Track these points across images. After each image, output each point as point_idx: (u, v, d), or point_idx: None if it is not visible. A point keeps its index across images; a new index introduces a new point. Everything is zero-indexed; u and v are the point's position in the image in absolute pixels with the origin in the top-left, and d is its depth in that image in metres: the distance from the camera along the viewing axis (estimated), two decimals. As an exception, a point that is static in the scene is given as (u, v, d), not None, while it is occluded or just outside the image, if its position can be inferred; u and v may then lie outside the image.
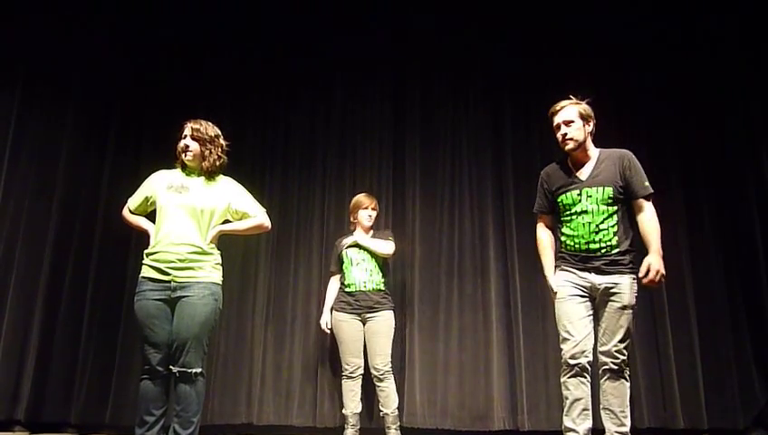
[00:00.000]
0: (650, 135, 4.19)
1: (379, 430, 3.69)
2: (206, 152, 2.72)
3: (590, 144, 2.75)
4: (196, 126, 2.73)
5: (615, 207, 2.64)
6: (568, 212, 2.71)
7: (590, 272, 2.64)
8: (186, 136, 2.73)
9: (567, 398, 2.61)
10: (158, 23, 4.49)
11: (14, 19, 3.92)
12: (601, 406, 2.63)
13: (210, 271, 2.64)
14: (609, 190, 2.63)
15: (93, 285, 4.05)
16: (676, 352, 3.85)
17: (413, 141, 4.38)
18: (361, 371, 3.61)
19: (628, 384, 2.60)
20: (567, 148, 2.71)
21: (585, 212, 2.65)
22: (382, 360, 3.56)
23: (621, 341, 2.57)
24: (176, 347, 2.53)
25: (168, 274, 2.58)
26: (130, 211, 2.82)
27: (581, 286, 2.65)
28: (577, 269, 2.67)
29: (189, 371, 2.51)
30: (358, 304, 3.62)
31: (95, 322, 4.01)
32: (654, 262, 2.53)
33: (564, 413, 2.62)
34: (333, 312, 3.68)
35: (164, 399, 2.60)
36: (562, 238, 2.76)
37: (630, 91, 4.25)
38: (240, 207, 2.80)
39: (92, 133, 4.26)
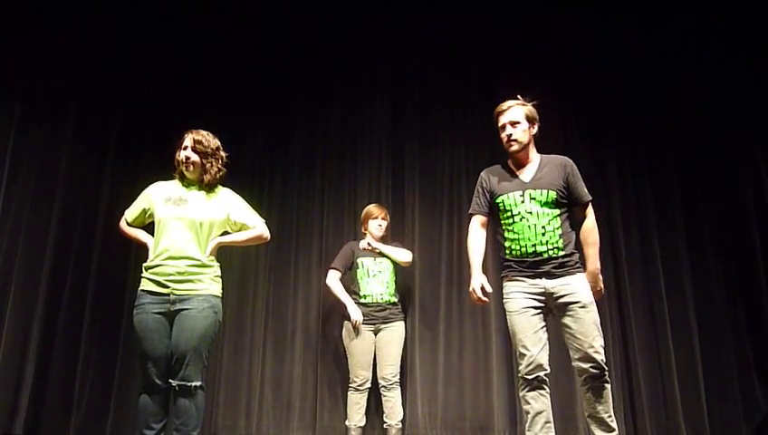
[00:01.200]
0: (648, 145, 4.21)
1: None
2: (208, 165, 2.71)
3: (532, 147, 2.76)
4: (198, 138, 2.69)
5: (558, 211, 2.64)
6: (509, 214, 2.68)
7: (540, 278, 2.61)
8: (186, 147, 2.70)
9: (528, 412, 2.58)
10: (157, 33, 4.50)
11: (14, 30, 3.92)
12: (587, 414, 2.60)
13: (210, 284, 2.63)
14: (553, 193, 2.63)
15: (93, 297, 4.03)
16: (678, 360, 3.84)
17: (412, 149, 4.38)
18: (369, 384, 3.60)
19: (609, 386, 2.57)
20: (511, 149, 2.72)
21: (530, 213, 2.64)
22: (392, 370, 3.57)
23: (595, 341, 2.53)
24: (175, 360, 2.51)
25: (167, 286, 2.57)
26: (128, 223, 2.81)
27: (534, 295, 2.61)
28: (526, 277, 2.63)
29: (189, 384, 2.50)
30: (372, 315, 3.64)
31: (94, 334, 3.98)
32: (598, 283, 2.67)
33: (527, 428, 2.59)
34: (346, 321, 3.69)
35: (163, 413, 2.58)
36: (506, 244, 2.71)
37: (628, 101, 4.27)
38: (239, 218, 2.79)
39: (92, 144, 4.25)
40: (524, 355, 2.58)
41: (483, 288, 2.68)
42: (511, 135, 2.69)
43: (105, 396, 3.89)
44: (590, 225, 2.70)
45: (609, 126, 4.26)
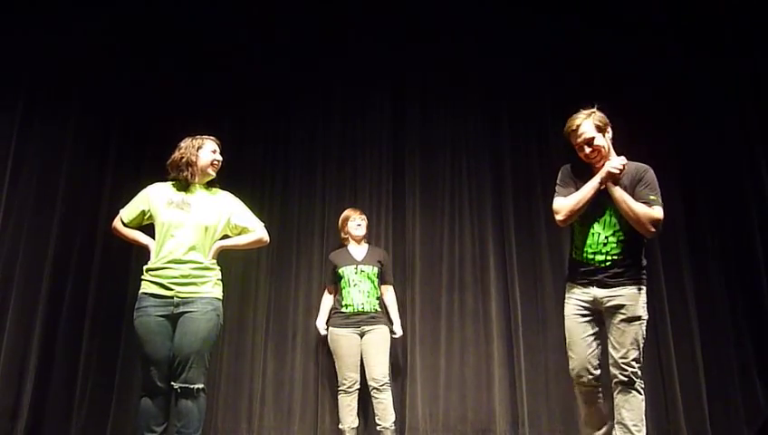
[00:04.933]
0: (649, 146, 4.19)
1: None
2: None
3: (612, 152, 2.70)
4: (219, 142, 2.86)
5: (624, 221, 2.60)
6: (579, 219, 2.67)
7: (592, 286, 2.63)
8: (215, 151, 2.81)
9: (583, 412, 2.72)
10: (158, 34, 4.50)
11: (14, 34, 3.93)
12: (615, 420, 2.61)
13: (212, 287, 2.64)
14: None
15: (93, 301, 4.03)
16: (679, 363, 3.84)
17: (412, 154, 4.39)
18: (358, 385, 3.62)
19: (641, 397, 2.56)
20: (597, 165, 2.66)
21: (597, 222, 2.63)
22: (381, 371, 3.58)
23: (628, 353, 2.54)
24: (178, 363, 2.51)
25: (170, 289, 2.58)
26: (124, 224, 2.79)
27: (585, 302, 2.64)
28: (580, 285, 2.66)
29: (191, 386, 2.50)
30: (354, 322, 3.66)
31: (95, 338, 3.98)
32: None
33: (580, 425, 2.75)
34: (330, 327, 3.72)
35: (164, 415, 2.58)
36: (573, 246, 2.75)
37: (629, 102, 4.25)
38: (240, 221, 2.80)
39: (93, 148, 4.25)
40: (571, 358, 2.67)
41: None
42: (590, 153, 2.63)
43: (106, 399, 3.89)
44: (648, 209, 2.54)
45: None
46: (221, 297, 2.68)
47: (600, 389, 2.66)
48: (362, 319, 3.66)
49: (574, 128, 2.66)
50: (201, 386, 2.53)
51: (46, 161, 4.03)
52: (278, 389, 3.98)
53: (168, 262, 2.60)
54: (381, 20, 4.55)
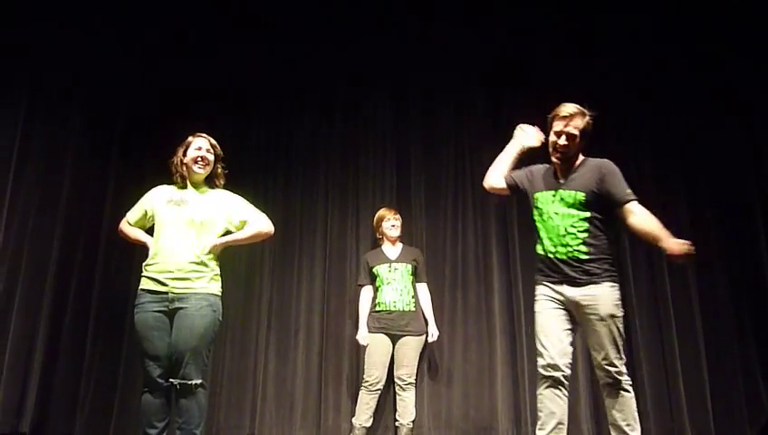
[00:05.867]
0: (654, 146, 4.20)
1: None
2: (217, 169, 2.83)
3: (579, 157, 2.69)
4: (213, 142, 2.82)
5: (586, 214, 2.56)
6: (540, 213, 2.67)
7: (562, 284, 2.57)
8: (201, 148, 2.78)
9: (541, 411, 2.56)
10: (160, 33, 4.52)
11: (18, 31, 3.95)
12: (609, 422, 2.57)
13: (208, 282, 2.64)
14: (581, 196, 2.57)
15: (97, 298, 4.06)
16: (683, 362, 3.83)
17: (415, 151, 4.39)
18: (382, 385, 3.62)
19: (629, 395, 2.52)
20: (554, 159, 2.66)
21: (556, 214, 2.60)
22: (408, 371, 3.62)
23: (608, 353, 2.49)
24: (175, 359, 2.53)
25: (165, 284, 2.59)
26: (129, 224, 2.85)
27: (558, 300, 2.59)
28: (551, 282, 2.61)
29: (189, 383, 2.51)
30: (390, 324, 3.67)
31: (99, 335, 4.01)
32: (675, 242, 2.40)
33: (538, 427, 2.57)
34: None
35: (166, 411, 2.60)
36: (537, 241, 2.70)
37: (634, 100, 4.25)
38: (241, 216, 2.81)
39: (96, 148, 4.28)
40: (541, 353, 2.58)
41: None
42: (564, 146, 2.59)
43: (110, 395, 3.91)
44: (642, 215, 2.52)
45: (612, 125, 4.24)
46: (219, 293, 2.69)
47: (567, 389, 2.56)
48: (396, 321, 3.66)
49: (566, 115, 2.60)
50: (199, 382, 2.54)
51: (49, 161, 4.05)
52: (280, 385, 3.99)
53: (164, 257, 2.63)
54: (384, 16, 4.54)
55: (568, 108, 2.61)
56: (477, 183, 4.27)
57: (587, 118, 2.63)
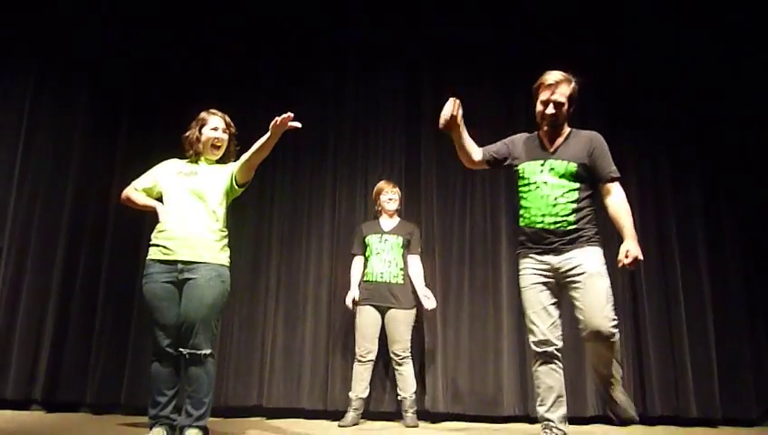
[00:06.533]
0: (671, 141, 4.17)
1: (382, 415, 3.76)
2: (231, 147, 2.84)
3: (566, 127, 2.67)
4: (228, 120, 2.81)
5: (576, 185, 2.56)
6: (526, 182, 2.63)
7: (547, 254, 2.56)
8: (217, 128, 2.77)
9: (539, 386, 2.58)
10: (168, 10, 4.47)
11: (27, 6, 3.94)
12: (592, 366, 2.61)
13: (217, 253, 2.65)
14: (573, 166, 2.55)
15: (107, 267, 4.09)
16: (690, 340, 3.83)
17: (427, 128, 4.33)
18: (373, 356, 3.66)
19: (617, 341, 2.49)
20: (545, 127, 2.64)
21: (545, 183, 2.58)
22: (402, 346, 3.63)
23: (604, 308, 2.44)
24: (184, 329, 2.54)
25: (173, 251, 2.59)
26: (136, 190, 2.79)
27: (543, 271, 2.57)
28: (536, 254, 2.59)
29: (198, 352, 2.53)
30: (376, 295, 3.68)
31: (110, 302, 4.05)
32: (632, 248, 2.42)
33: (538, 403, 2.59)
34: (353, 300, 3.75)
35: (175, 379, 2.64)
36: (520, 212, 2.67)
37: (651, 90, 4.20)
38: (242, 158, 2.71)
39: (104, 119, 4.29)
40: (532, 330, 2.58)
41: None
42: (552, 114, 2.58)
43: (120, 362, 3.96)
44: (618, 198, 2.54)
45: (629, 113, 4.19)
46: (227, 263, 2.69)
47: (561, 362, 2.57)
48: (383, 292, 3.68)
49: (551, 82, 2.58)
50: (209, 352, 2.56)
51: (59, 132, 4.07)
52: (288, 357, 4.03)
53: (173, 225, 2.63)
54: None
55: (553, 75, 2.59)
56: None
57: (573, 84, 2.61)
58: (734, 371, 3.79)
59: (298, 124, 2.55)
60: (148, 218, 3.95)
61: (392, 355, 3.66)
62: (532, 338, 2.59)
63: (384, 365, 3.85)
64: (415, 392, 3.63)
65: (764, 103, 4.07)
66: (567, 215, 2.54)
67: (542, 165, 2.61)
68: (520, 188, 2.68)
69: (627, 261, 2.43)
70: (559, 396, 2.55)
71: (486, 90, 4.36)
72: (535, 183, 2.61)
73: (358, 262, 3.87)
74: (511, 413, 3.81)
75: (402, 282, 3.74)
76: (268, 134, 2.60)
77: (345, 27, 4.50)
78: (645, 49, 4.24)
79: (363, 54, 4.48)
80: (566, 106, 2.59)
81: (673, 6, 4.30)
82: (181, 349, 2.56)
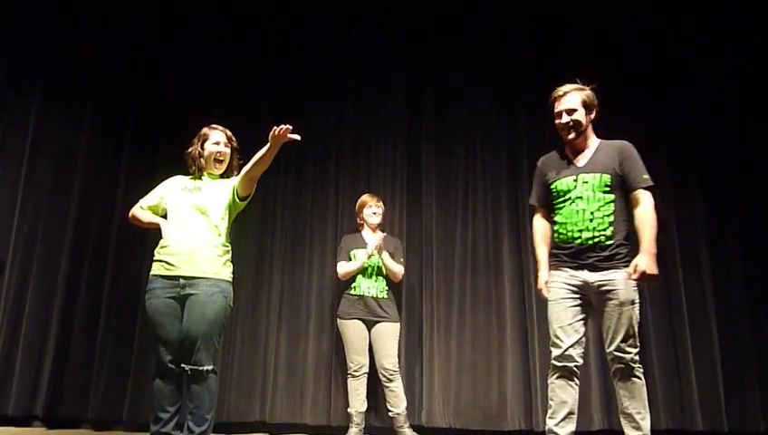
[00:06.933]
0: (670, 138, 4.16)
1: (385, 430, 3.71)
2: (234, 161, 2.84)
3: (590, 133, 2.68)
4: (229, 135, 2.83)
5: (611, 196, 2.55)
6: (561, 199, 2.64)
7: (582, 269, 2.55)
8: (219, 142, 2.79)
9: (552, 399, 2.57)
10: (172, 25, 4.52)
11: (32, 23, 3.98)
12: (619, 410, 2.55)
13: (220, 268, 2.65)
14: (607, 178, 2.55)
15: (110, 282, 4.10)
16: (695, 352, 3.80)
17: (427, 140, 4.36)
18: (366, 369, 3.63)
19: (640, 383, 2.49)
20: (568, 137, 2.65)
21: (580, 198, 2.57)
22: (390, 360, 3.60)
23: (624, 340, 2.46)
24: (186, 345, 2.54)
25: (176, 267, 2.60)
26: (142, 209, 2.82)
27: (574, 286, 2.57)
28: (569, 268, 2.58)
29: (200, 368, 2.52)
30: (362, 310, 3.66)
31: (112, 319, 4.05)
32: (641, 263, 2.42)
33: (548, 416, 2.57)
34: (338, 317, 3.73)
35: (177, 396, 2.62)
36: (555, 228, 2.67)
37: (649, 90, 4.20)
38: (242, 170, 2.70)
39: (108, 134, 4.31)
40: (556, 344, 2.57)
41: (546, 282, 2.66)
42: (568, 123, 2.62)
43: (122, 378, 3.95)
44: (642, 208, 2.51)
45: (628, 113, 4.19)
46: (230, 279, 2.69)
47: (578, 379, 2.56)
48: (369, 307, 3.66)
49: (561, 94, 2.65)
50: (210, 368, 2.55)
51: (63, 146, 4.09)
52: (291, 372, 4.01)
53: (175, 241, 2.64)
54: (397, 7, 4.51)
55: (562, 87, 2.66)
56: (489, 172, 4.28)
57: (585, 91, 2.65)
58: (740, 382, 3.75)
59: (297, 137, 2.55)
60: (150, 234, 3.98)
61: (381, 371, 3.60)
62: (555, 352, 2.58)
63: (378, 379, 3.79)
64: (406, 408, 3.59)
65: (764, 104, 4.06)
66: (604, 229, 2.53)
67: (575, 180, 2.61)
68: (556, 206, 2.68)
69: (635, 276, 2.43)
70: (570, 413, 2.54)
71: (487, 102, 4.38)
72: (570, 198, 2.61)
73: (345, 264, 3.77)
74: (515, 427, 3.78)
75: (387, 296, 3.73)
76: (268, 145, 2.60)
77: (346, 41, 4.53)
78: (646, 48, 4.24)
79: (365, 68, 4.51)
80: (581, 111, 2.62)
81: (677, 9, 4.31)
82: (183, 365, 2.55)
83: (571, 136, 2.64)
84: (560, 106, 2.65)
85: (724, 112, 4.14)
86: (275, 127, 2.53)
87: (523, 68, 4.34)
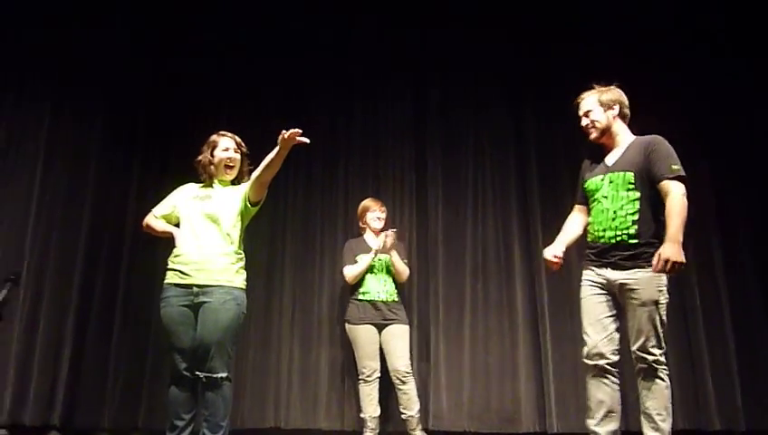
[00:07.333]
0: (680, 136, 4.09)
1: (398, 433, 3.70)
2: (244, 167, 2.85)
3: (618, 130, 2.68)
4: (239, 141, 2.84)
5: (637, 194, 2.52)
6: (592, 199, 2.67)
7: (606, 268, 2.54)
8: (228, 149, 2.80)
9: (588, 398, 2.56)
10: (180, 34, 4.56)
11: (43, 30, 4.03)
12: (640, 410, 2.50)
13: (233, 276, 2.66)
14: (630, 176, 2.54)
15: (123, 291, 4.13)
16: (711, 351, 3.78)
17: (435, 143, 4.37)
18: (378, 374, 3.62)
19: (664, 384, 2.45)
20: (591, 137, 2.70)
21: (605, 197, 2.59)
22: (403, 362, 3.58)
23: (647, 339, 2.44)
24: (200, 353, 2.55)
25: (189, 275, 2.62)
26: (155, 218, 2.85)
27: (600, 284, 2.57)
28: (595, 266, 2.60)
29: (215, 376, 2.54)
30: (373, 314, 3.65)
31: (126, 327, 4.08)
32: (665, 251, 2.32)
33: (587, 415, 2.56)
34: (347, 323, 3.72)
35: (192, 403, 2.64)
36: (587, 228, 2.71)
37: (660, 89, 4.17)
38: (252, 176, 2.72)
39: (120, 143, 4.35)
40: (585, 341, 2.57)
41: (554, 255, 2.64)
42: (587, 125, 2.69)
43: (137, 387, 3.99)
44: (670, 197, 2.41)
45: (638, 113, 4.16)
46: (243, 286, 2.70)
47: (615, 376, 2.53)
48: (379, 311, 3.65)
49: (579, 101, 2.75)
50: (225, 375, 2.56)
51: (75, 157, 4.13)
52: (304, 378, 4.02)
53: (188, 249, 2.66)
54: (403, 8, 4.52)
55: (581, 94, 2.75)
56: (498, 173, 4.28)
57: (604, 91, 2.70)
58: (757, 381, 3.72)
59: (306, 139, 2.56)
60: (162, 242, 4.00)
61: (394, 374, 3.58)
62: (584, 350, 2.57)
63: (390, 383, 3.79)
64: (419, 410, 3.58)
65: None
66: (626, 228, 2.51)
67: (602, 180, 2.63)
68: (589, 206, 2.71)
69: (659, 266, 2.33)
70: (610, 411, 2.51)
71: (495, 107, 4.38)
72: (597, 199, 2.63)
73: (352, 266, 3.75)
74: (529, 430, 3.77)
75: (397, 299, 3.73)
76: (277, 149, 2.61)
77: (353, 45, 4.55)
78: (647, 50, 4.22)
79: (371, 71, 4.52)
80: (597, 110, 2.66)
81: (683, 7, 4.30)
82: (198, 372, 2.56)
83: (594, 136, 2.69)
84: (579, 112, 2.73)
85: (735, 113, 4.12)
86: (284, 130, 2.54)
87: (530, 68, 4.34)
